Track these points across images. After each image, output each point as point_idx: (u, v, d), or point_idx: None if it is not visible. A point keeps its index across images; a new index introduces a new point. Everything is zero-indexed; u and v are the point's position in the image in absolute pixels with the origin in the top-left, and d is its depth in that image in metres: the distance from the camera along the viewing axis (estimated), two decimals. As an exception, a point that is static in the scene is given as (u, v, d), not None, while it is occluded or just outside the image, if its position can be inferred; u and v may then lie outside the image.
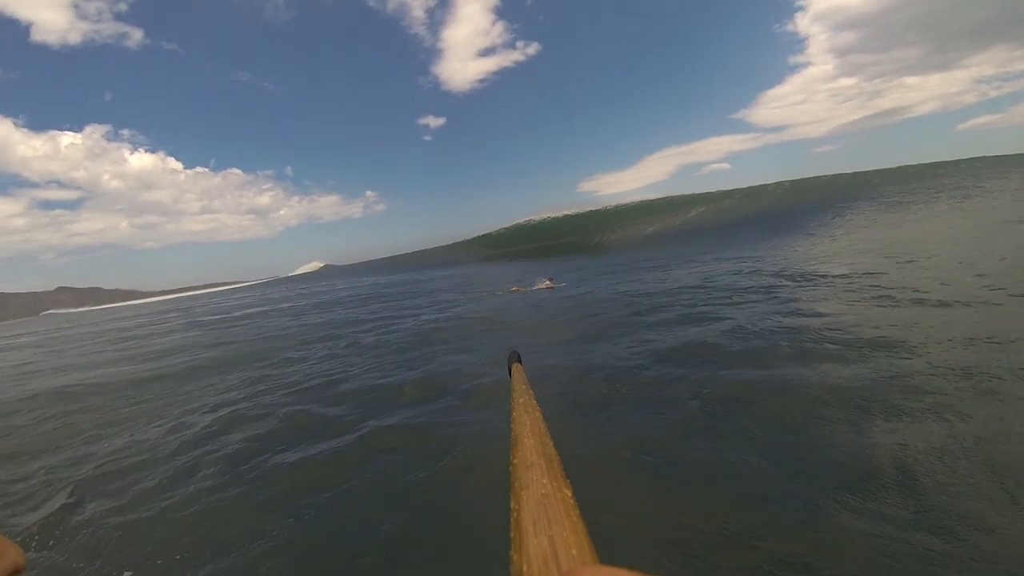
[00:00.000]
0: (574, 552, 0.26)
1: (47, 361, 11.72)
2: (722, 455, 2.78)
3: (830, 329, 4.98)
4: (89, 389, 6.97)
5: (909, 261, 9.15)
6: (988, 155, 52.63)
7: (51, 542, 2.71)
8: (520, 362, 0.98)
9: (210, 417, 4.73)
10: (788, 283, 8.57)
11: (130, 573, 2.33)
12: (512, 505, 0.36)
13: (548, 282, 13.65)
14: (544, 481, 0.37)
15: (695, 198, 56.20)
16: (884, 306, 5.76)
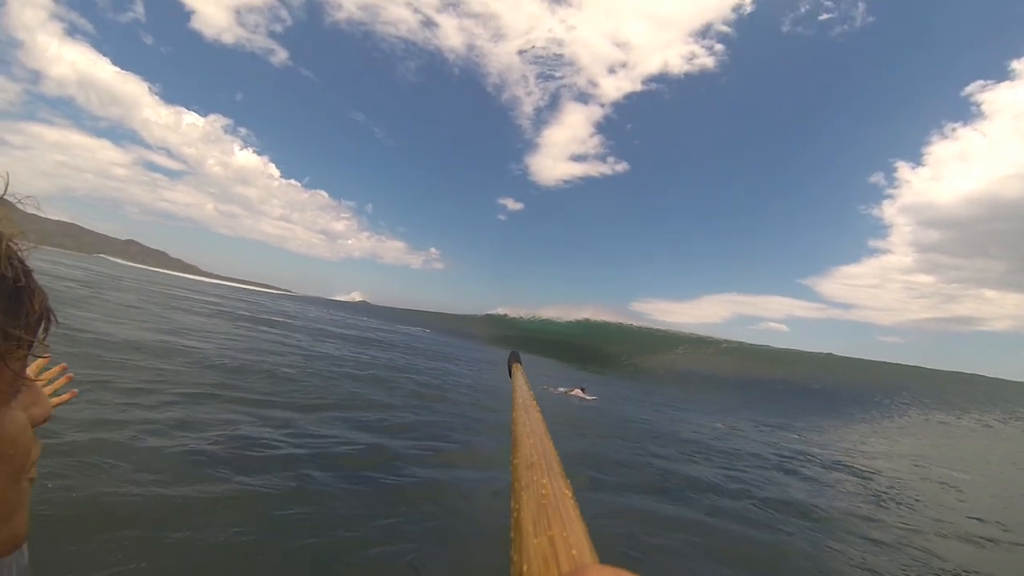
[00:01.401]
0: (574, 552, 0.25)
1: (81, 301, 11.32)
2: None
3: (836, 527, 4.94)
4: (90, 338, 6.92)
5: (941, 481, 8.84)
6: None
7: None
8: (520, 362, 0.96)
9: (188, 404, 4.85)
10: (812, 466, 8.34)
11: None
12: (512, 505, 0.35)
13: (580, 391, 13.67)
14: (544, 481, 0.36)
15: (742, 346, 54.67)
16: (906, 521, 5.59)
